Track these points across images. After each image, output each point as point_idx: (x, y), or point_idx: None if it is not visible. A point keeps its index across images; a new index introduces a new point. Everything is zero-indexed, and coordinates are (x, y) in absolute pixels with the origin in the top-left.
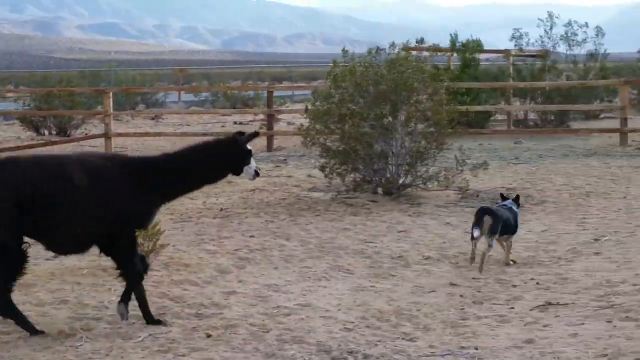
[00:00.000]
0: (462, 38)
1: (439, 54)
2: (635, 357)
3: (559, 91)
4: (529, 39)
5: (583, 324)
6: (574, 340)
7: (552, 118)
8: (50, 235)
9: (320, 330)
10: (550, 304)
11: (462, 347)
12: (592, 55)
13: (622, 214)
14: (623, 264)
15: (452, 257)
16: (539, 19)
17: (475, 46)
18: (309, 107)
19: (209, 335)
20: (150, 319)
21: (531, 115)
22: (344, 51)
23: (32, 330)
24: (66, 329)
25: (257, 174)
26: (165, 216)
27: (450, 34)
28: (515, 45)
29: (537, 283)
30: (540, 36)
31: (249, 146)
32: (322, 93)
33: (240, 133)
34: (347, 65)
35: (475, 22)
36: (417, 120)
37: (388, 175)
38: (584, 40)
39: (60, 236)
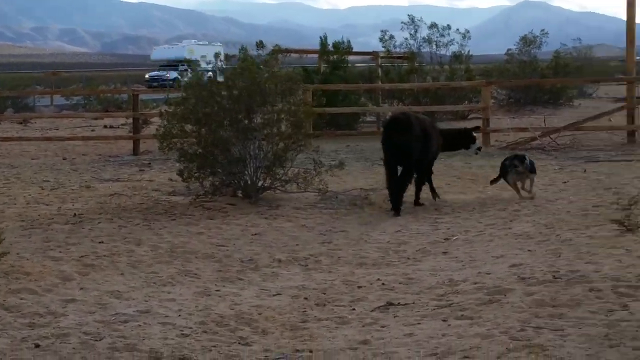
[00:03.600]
0: (342, 40)
1: (307, 55)
2: (463, 355)
3: (427, 92)
4: (396, 41)
5: (420, 323)
6: (408, 340)
7: None
8: (424, 158)
9: (156, 337)
10: (391, 304)
11: (297, 350)
12: (456, 57)
13: (475, 213)
14: (468, 262)
15: (303, 260)
16: (402, 22)
17: (342, 48)
18: (163, 112)
19: (37, 346)
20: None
21: None
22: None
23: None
24: None
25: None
26: (15, 223)
27: (320, 37)
28: (383, 47)
29: (383, 283)
30: (406, 38)
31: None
32: (175, 99)
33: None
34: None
35: (358, 24)
36: (273, 123)
37: (247, 179)
38: (450, 43)
39: (428, 159)
